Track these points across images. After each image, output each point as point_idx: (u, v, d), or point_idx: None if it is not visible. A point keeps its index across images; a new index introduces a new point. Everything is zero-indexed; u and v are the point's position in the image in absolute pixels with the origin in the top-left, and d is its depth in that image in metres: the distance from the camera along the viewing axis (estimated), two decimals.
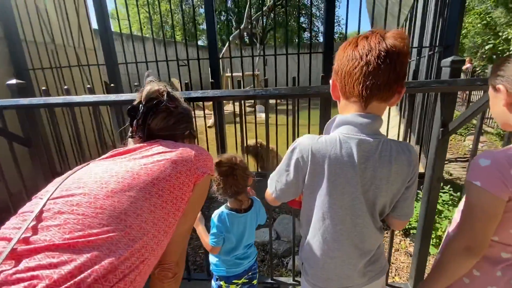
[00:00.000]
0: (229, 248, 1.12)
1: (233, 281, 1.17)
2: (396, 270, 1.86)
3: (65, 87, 1.46)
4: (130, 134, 0.84)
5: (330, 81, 0.76)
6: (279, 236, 2.22)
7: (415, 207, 2.03)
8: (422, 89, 0.97)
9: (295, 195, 0.81)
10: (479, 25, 6.06)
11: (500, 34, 5.75)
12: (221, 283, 1.18)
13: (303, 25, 19.78)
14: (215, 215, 1.10)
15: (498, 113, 0.72)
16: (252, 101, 5.40)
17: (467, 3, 6.78)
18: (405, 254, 2.00)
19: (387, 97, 0.67)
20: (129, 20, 3.04)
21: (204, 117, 3.00)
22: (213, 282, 1.24)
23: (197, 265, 2.01)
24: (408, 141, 3.46)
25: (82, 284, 0.49)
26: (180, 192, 0.71)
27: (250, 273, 1.22)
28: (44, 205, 0.57)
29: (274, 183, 0.81)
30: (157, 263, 0.73)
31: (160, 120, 0.81)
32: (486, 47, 6.31)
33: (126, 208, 0.60)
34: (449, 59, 1.12)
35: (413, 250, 1.53)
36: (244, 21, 6.77)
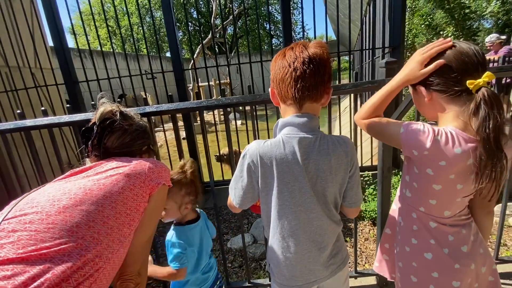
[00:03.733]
0: (195, 263, 1.10)
1: None
2: (366, 258, 1.98)
3: (18, 111, 1.41)
4: (86, 154, 0.87)
5: (269, 89, 0.84)
6: (255, 239, 2.26)
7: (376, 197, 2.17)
8: (356, 90, 1.08)
9: (254, 200, 0.84)
10: (422, 25, 6.71)
11: (441, 33, 6.45)
12: None
13: (271, 32, 20.33)
14: (170, 236, 1.06)
15: (424, 108, 0.82)
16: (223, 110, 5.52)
17: (413, 6, 7.45)
18: (374, 242, 2.12)
19: (317, 98, 0.76)
20: (86, 35, 2.97)
21: (175, 130, 2.97)
22: None
23: None
24: (371, 140, 3.68)
25: None
26: (135, 203, 0.74)
27: (218, 283, 1.22)
28: None
29: (234, 191, 0.84)
30: (117, 274, 0.75)
31: (116, 139, 0.85)
32: None
33: (77, 221, 0.63)
34: (384, 60, 1.26)
35: (376, 236, 1.65)
36: (210, 31, 6.85)
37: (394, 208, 0.95)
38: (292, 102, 0.76)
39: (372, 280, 1.61)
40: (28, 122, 1.14)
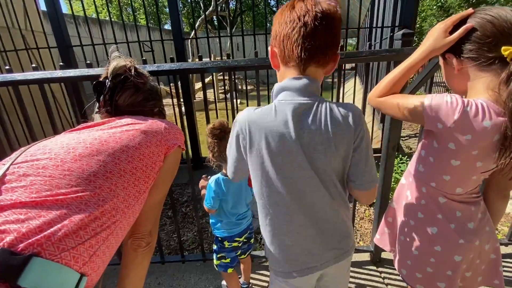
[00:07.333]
0: (229, 210, 1.20)
1: (235, 239, 1.26)
2: (360, 236, 2.01)
3: (7, 67, 1.32)
4: (97, 109, 0.84)
5: (269, 48, 0.73)
6: (253, 214, 2.27)
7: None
8: (373, 58, 1.02)
9: (246, 172, 0.77)
10: (434, 7, 6.49)
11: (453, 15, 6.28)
12: (224, 243, 1.26)
13: (274, 9, 19.59)
14: (212, 181, 1.15)
15: (454, 80, 0.76)
16: (224, 88, 5.26)
17: None
18: (369, 221, 2.16)
19: (324, 62, 0.67)
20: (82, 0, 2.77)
21: (173, 105, 2.85)
22: (214, 246, 1.31)
23: (171, 249, 2.00)
24: (372, 118, 3.64)
25: (53, 237, 0.48)
26: (151, 161, 0.72)
27: (248, 232, 1.31)
28: (7, 169, 0.55)
29: (228, 161, 0.79)
30: (130, 232, 0.75)
31: (128, 97, 0.82)
32: None
33: (95, 170, 0.60)
34: (400, 32, 1.19)
35: (373, 216, 1.66)
36: (212, 3, 6.53)
37: (403, 183, 0.93)
38: (295, 63, 0.66)
39: (366, 257, 1.64)
40: (18, 76, 1.06)
